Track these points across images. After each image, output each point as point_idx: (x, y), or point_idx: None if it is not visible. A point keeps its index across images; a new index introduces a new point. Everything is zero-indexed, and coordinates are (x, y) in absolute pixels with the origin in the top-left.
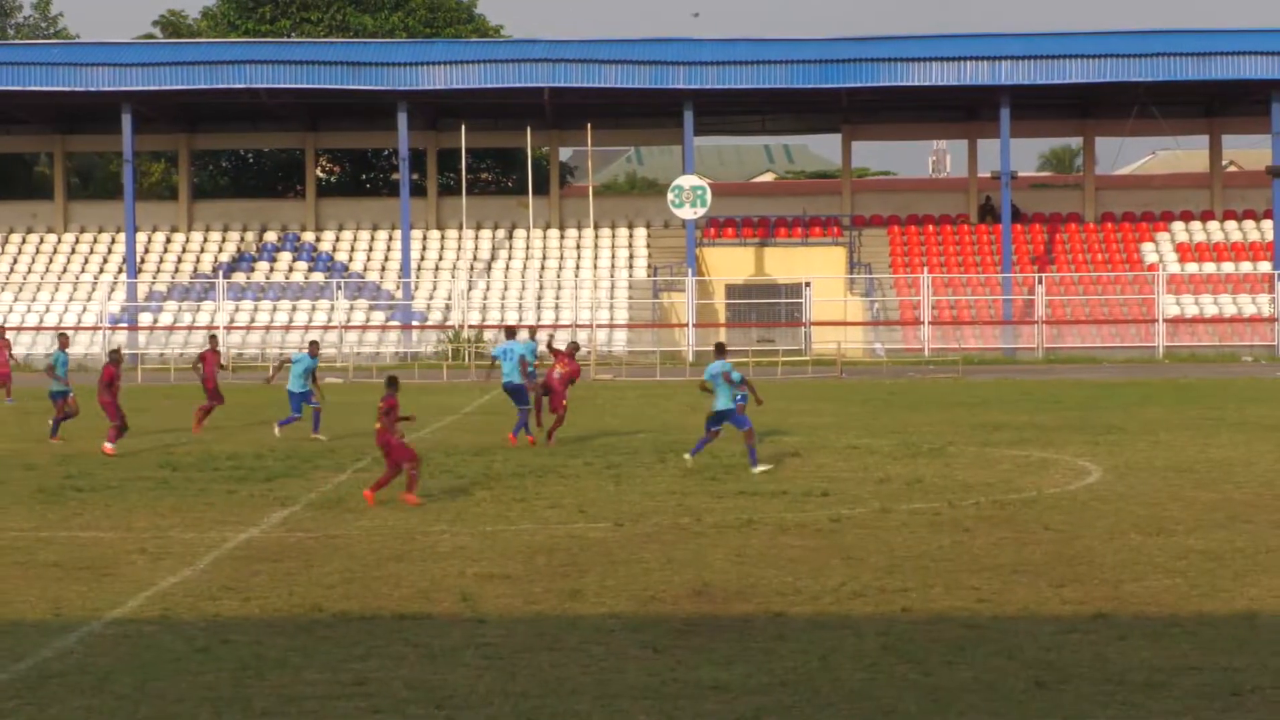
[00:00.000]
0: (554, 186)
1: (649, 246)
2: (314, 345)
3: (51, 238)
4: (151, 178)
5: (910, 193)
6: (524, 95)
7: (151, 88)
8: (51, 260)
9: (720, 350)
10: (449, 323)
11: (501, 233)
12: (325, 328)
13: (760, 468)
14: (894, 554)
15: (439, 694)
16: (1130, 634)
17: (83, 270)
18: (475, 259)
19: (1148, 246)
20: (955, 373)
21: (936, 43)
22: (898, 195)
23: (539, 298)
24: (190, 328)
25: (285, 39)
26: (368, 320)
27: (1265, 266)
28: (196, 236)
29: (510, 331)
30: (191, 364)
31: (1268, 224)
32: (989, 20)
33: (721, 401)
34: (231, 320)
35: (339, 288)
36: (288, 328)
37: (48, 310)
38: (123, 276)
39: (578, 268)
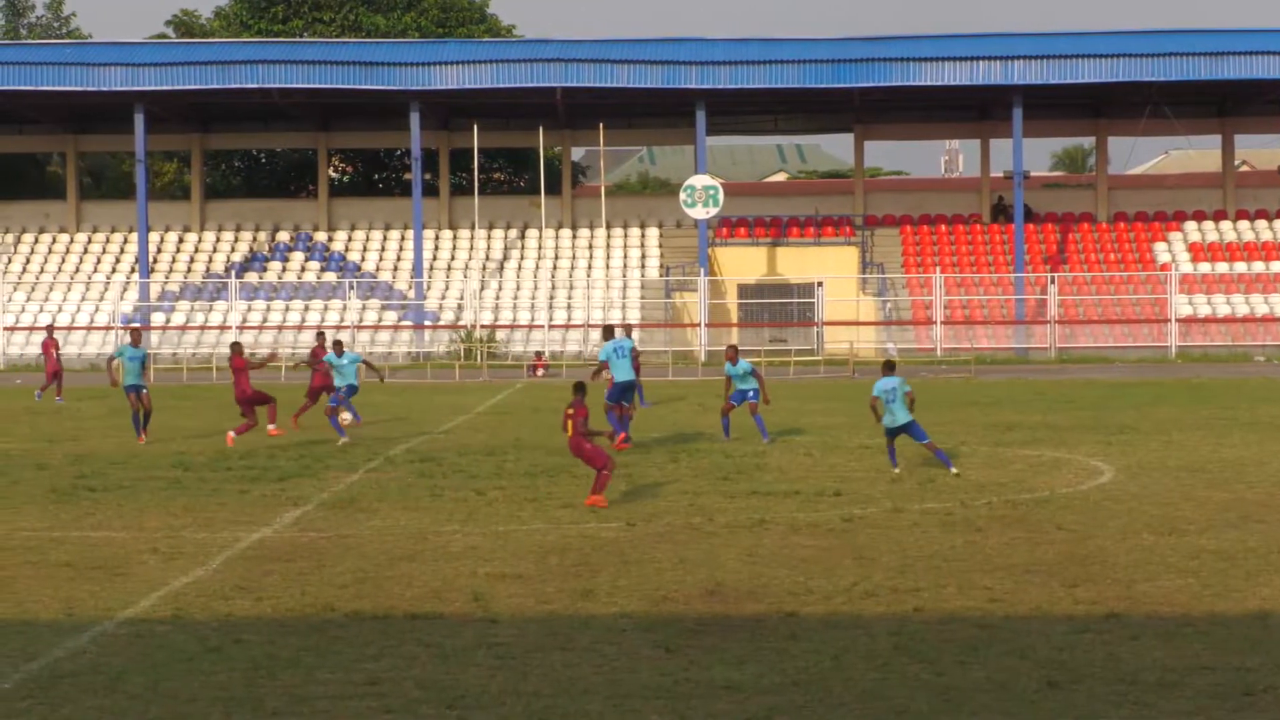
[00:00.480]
0: (566, 186)
1: (661, 246)
2: (338, 345)
3: (64, 237)
4: (164, 178)
5: (922, 192)
6: (536, 95)
7: (164, 88)
8: (64, 260)
9: (890, 368)
10: (461, 322)
11: (514, 232)
12: (338, 327)
13: (953, 469)
14: (906, 554)
15: (451, 694)
16: (1143, 634)
17: (95, 270)
18: (487, 259)
19: (1160, 246)
20: (968, 372)
21: (949, 42)
22: (910, 195)
23: (551, 297)
24: (203, 328)
25: (297, 39)
26: (380, 320)
27: (1278, 266)
28: (209, 236)
29: (608, 331)
30: (304, 361)
31: None
32: (1001, 20)
33: (900, 416)
34: (244, 320)
35: (351, 288)
36: (300, 327)
37: (60, 310)
38: (135, 276)
39: (590, 268)
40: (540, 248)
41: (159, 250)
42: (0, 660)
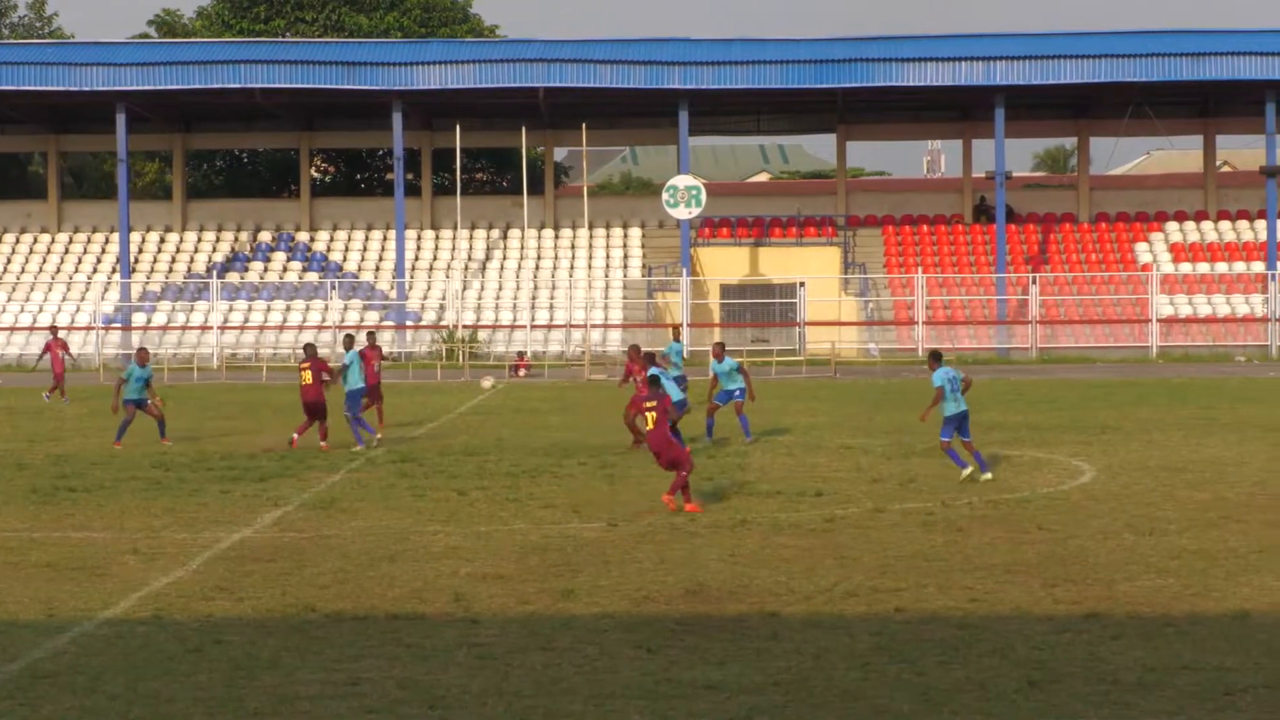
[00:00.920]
0: (549, 186)
1: (644, 246)
2: (363, 338)
3: (45, 237)
4: (146, 178)
5: (905, 193)
6: (519, 95)
7: (146, 87)
8: (45, 260)
9: (937, 357)
10: (443, 323)
11: (496, 233)
12: (320, 328)
13: (986, 475)
14: (887, 554)
15: (432, 694)
16: (1123, 633)
17: (76, 270)
18: (470, 259)
19: (1142, 247)
20: None
21: (931, 43)
22: (892, 195)
23: (533, 298)
24: (184, 328)
25: (280, 39)
26: (362, 320)
27: (1259, 267)
28: (190, 236)
29: (676, 334)
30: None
31: (1261, 224)
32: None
33: (962, 403)
34: (225, 320)
35: (333, 288)
36: (282, 328)
37: (41, 310)
38: (116, 276)
39: (572, 268)
40: (522, 248)
41: (140, 250)
42: None
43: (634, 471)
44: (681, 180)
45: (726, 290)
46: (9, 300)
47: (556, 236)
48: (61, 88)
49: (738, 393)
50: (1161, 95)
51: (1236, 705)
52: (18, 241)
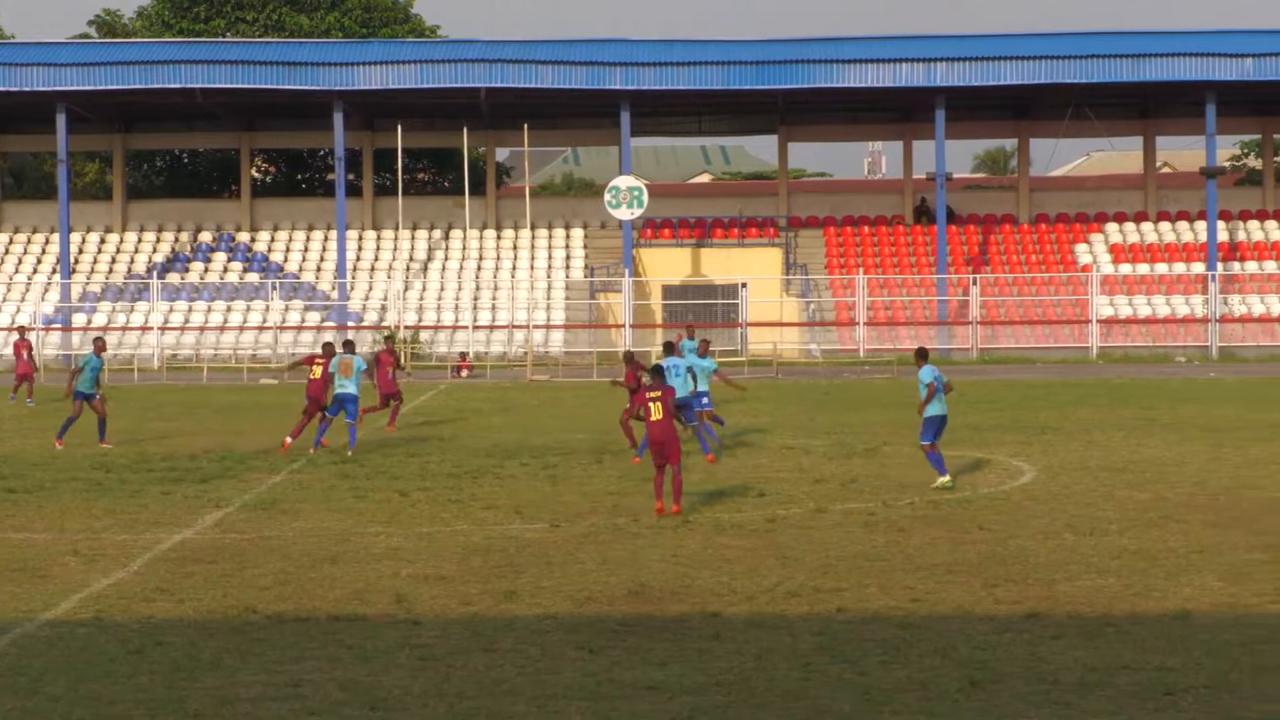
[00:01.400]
0: (490, 187)
1: (586, 247)
2: (348, 344)
3: None
4: (86, 178)
5: (846, 194)
6: (460, 95)
7: (86, 87)
8: None
9: (923, 355)
10: (385, 323)
11: (438, 233)
12: (260, 328)
13: (946, 477)
14: (829, 554)
15: (373, 695)
16: (1064, 633)
17: (16, 271)
18: (411, 259)
19: (1082, 248)
20: (890, 373)
21: (872, 44)
22: (834, 196)
23: (475, 298)
24: (124, 329)
25: (220, 39)
26: (303, 321)
27: (1199, 267)
28: (131, 237)
29: (690, 332)
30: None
31: (1201, 225)
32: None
33: (938, 408)
34: (165, 321)
35: (274, 288)
36: (222, 328)
37: None
38: (56, 277)
39: (514, 268)
40: (464, 248)
41: (80, 251)
42: None
43: (576, 472)
44: (624, 181)
45: (669, 291)
46: None
47: (498, 237)
48: (1, 88)
49: (705, 399)
50: (1101, 96)
51: (1177, 705)
52: None
